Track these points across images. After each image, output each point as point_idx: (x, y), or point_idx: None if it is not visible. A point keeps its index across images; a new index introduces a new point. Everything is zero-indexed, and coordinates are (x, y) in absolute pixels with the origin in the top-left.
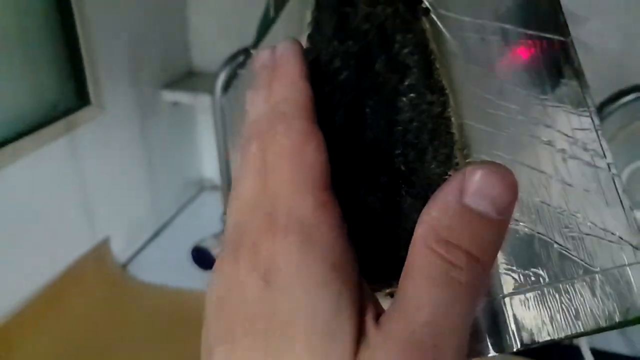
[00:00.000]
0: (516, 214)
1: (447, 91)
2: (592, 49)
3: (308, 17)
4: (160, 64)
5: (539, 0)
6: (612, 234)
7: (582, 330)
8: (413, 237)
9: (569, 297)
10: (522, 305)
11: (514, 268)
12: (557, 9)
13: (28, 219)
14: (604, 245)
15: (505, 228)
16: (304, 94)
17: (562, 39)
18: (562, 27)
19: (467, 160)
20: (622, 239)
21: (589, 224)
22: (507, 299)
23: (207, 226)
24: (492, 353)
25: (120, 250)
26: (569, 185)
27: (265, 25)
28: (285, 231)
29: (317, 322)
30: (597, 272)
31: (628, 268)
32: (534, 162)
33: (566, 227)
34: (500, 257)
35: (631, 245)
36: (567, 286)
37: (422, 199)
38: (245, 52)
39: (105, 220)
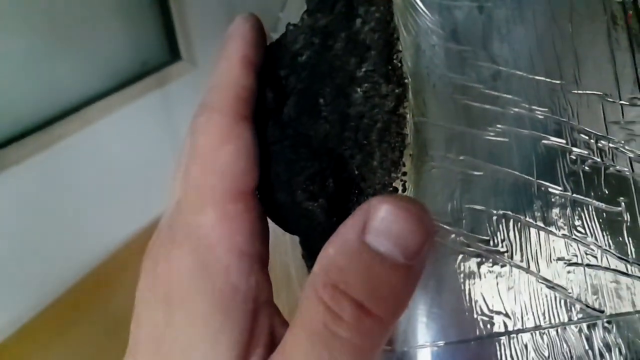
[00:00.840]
0: (477, 238)
1: (406, 81)
2: None
3: None
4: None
5: None
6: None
7: None
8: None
9: (550, 348)
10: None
11: (463, 310)
12: None
13: (121, 168)
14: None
15: (416, 276)
16: (235, 82)
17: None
18: None
19: (421, 168)
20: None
21: (604, 256)
22: (440, 349)
23: None
24: None
25: None
26: (584, 202)
27: None
28: (181, 245)
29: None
30: (601, 318)
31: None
32: (527, 169)
33: (564, 258)
34: (444, 294)
35: None
36: (552, 333)
37: None
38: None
39: None
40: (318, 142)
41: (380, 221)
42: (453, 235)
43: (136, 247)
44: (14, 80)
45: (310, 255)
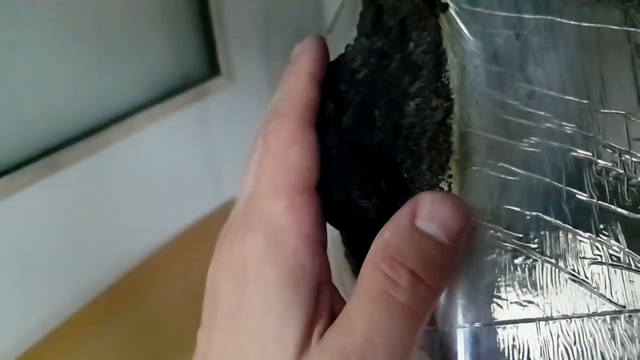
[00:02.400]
0: (512, 234)
1: (453, 96)
2: None
3: (360, 6)
4: (293, 34)
5: None
6: None
7: None
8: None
9: (576, 336)
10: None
11: (500, 295)
12: None
13: (161, 176)
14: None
15: (458, 256)
16: (302, 93)
17: (637, 30)
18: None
19: (465, 172)
20: None
21: (627, 257)
22: (478, 330)
23: None
24: None
25: None
26: (608, 209)
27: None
28: (255, 230)
29: (267, 328)
30: (623, 312)
31: None
32: (556, 177)
33: (589, 257)
34: (482, 279)
35: None
36: (578, 323)
37: None
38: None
39: (231, 182)
40: (372, 149)
41: (427, 209)
42: (492, 231)
43: (169, 252)
44: (67, 91)
45: (354, 252)
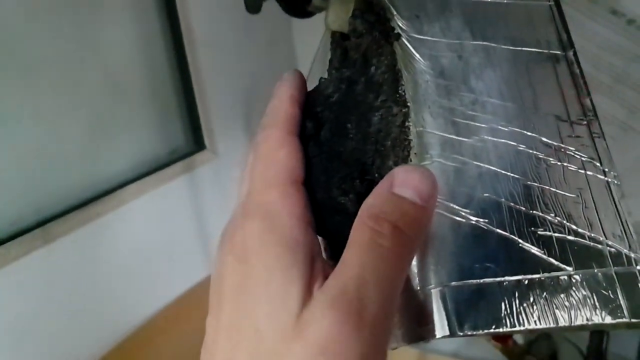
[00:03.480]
0: (468, 211)
1: (409, 104)
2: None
3: (329, 55)
4: None
5: (536, 19)
6: (599, 238)
7: (540, 326)
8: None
9: (527, 294)
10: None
11: (461, 260)
12: (558, 27)
13: (151, 248)
14: (586, 249)
15: (429, 214)
16: (284, 111)
17: (557, 52)
18: (562, 43)
19: (423, 162)
20: (610, 244)
21: (567, 226)
22: (446, 288)
23: None
24: (437, 336)
25: None
26: (549, 189)
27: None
28: (253, 217)
29: (272, 287)
30: (572, 273)
31: (614, 273)
32: (503, 165)
33: (537, 227)
34: (446, 248)
35: (623, 252)
36: (527, 282)
37: None
38: None
39: None
40: (347, 155)
41: (401, 178)
42: (450, 206)
43: (159, 323)
44: (61, 165)
45: (336, 256)
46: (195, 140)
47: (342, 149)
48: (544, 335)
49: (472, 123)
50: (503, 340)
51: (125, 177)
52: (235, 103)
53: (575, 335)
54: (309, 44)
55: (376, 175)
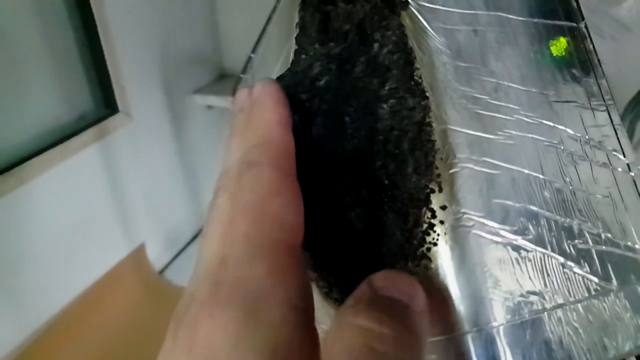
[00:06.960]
0: (506, 228)
1: (428, 94)
2: (632, 30)
3: (296, 17)
4: (190, 69)
5: None
6: (633, 245)
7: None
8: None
9: (576, 319)
10: (517, 332)
11: (505, 294)
12: None
13: (62, 228)
14: (623, 259)
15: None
16: (278, 141)
17: (573, 24)
18: (573, 12)
19: (450, 171)
20: None
21: (603, 235)
22: (499, 329)
23: None
24: None
25: (157, 256)
26: (581, 191)
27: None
28: (227, 304)
29: None
30: (615, 290)
31: None
32: (534, 167)
33: (575, 239)
34: (489, 282)
35: None
36: (574, 308)
37: (404, 215)
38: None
39: (141, 227)
40: (348, 158)
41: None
42: (487, 227)
43: (77, 311)
44: None
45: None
46: (105, 103)
47: (341, 150)
48: None
49: (498, 115)
50: None
51: (25, 151)
52: (150, 57)
53: None
54: None
55: (387, 182)
